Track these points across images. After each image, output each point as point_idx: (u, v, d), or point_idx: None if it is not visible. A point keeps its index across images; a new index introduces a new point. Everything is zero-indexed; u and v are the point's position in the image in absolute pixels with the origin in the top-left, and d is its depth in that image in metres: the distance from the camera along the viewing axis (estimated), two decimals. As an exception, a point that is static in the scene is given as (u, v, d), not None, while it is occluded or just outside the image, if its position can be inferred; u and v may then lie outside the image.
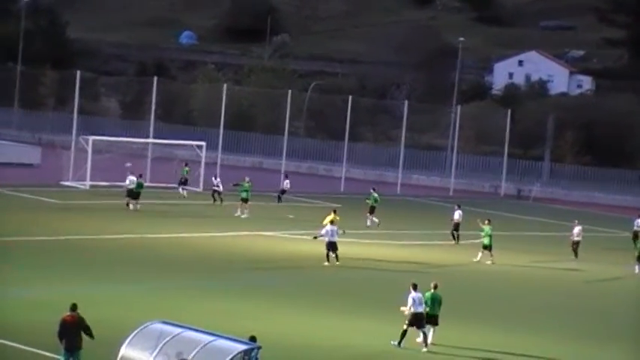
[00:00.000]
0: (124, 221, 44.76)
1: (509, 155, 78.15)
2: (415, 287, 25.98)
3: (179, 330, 20.10)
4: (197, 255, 38.29)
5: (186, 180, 57.05)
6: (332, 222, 38.58)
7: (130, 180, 49.49)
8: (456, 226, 46.46)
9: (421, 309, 25.91)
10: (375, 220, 49.80)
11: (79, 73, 60.89)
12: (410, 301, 25.81)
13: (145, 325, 20.28)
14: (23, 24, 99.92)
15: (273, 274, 35.98)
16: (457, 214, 46.54)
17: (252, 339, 20.06)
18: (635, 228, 51.51)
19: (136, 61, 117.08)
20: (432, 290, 26.50)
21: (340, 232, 38.10)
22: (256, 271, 36.31)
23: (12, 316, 25.86)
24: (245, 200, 50.30)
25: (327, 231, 37.63)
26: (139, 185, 49.53)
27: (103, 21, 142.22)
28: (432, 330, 26.33)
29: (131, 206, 48.37)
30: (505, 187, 78.29)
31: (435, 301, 26.36)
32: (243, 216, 49.56)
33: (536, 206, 70.92)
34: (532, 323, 31.10)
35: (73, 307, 21.10)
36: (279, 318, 28.58)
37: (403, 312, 26.03)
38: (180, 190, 56.34)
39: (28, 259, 33.98)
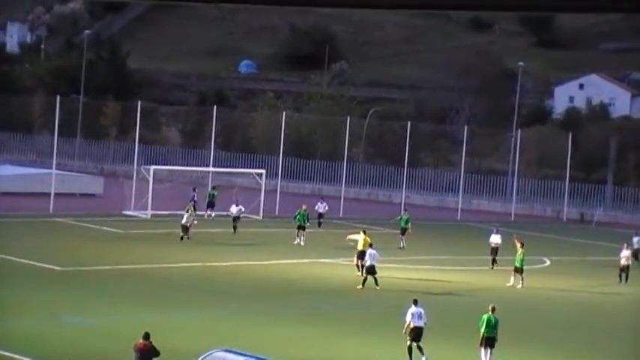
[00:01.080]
0: (186, 250, 45.01)
1: (571, 179, 77.35)
2: (416, 302, 27.27)
3: (242, 358, 20.16)
4: (257, 282, 38.36)
5: (213, 204, 57.58)
6: (370, 245, 38.54)
7: (238, 210, 51.75)
8: (495, 251, 45.50)
9: (420, 323, 26.79)
10: (402, 244, 49.96)
11: (139, 103, 61.59)
12: (409, 316, 26.87)
13: (209, 352, 20.38)
14: (85, 55, 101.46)
15: (333, 300, 35.91)
16: (496, 238, 45.78)
17: None
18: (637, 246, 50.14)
19: (196, 91, 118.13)
20: (490, 313, 26.89)
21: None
22: (316, 297, 36.28)
23: (79, 345, 26.10)
24: (302, 228, 49.98)
25: (369, 254, 37.50)
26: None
27: (163, 51, 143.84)
28: (489, 352, 26.69)
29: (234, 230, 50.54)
30: (567, 211, 77.41)
31: (491, 324, 26.74)
32: (302, 243, 49.41)
33: (600, 230, 70.01)
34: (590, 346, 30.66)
35: (146, 336, 21.85)
36: (339, 344, 28.50)
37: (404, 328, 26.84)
38: (207, 212, 56.79)
39: (93, 288, 34.34)
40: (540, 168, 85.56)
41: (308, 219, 50.34)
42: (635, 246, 49.89)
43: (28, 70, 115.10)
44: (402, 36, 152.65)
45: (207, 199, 57.67)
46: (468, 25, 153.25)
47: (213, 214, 56.85)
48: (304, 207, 50.85)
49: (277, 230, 53.63)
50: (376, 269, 37.49)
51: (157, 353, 21.71)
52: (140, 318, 30.02)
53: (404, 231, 50.80)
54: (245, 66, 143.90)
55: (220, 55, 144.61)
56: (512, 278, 40.78)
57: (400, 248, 49.62)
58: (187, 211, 48.28)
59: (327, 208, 57.90)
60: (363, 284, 37.30)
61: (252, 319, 31.10)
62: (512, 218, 71.92)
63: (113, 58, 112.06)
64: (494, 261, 45.28)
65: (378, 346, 28.93)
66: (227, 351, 20.61)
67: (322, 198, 60.06)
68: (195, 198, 56.08)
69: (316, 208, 56.79)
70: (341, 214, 63.73)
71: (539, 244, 51.73)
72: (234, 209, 52.72)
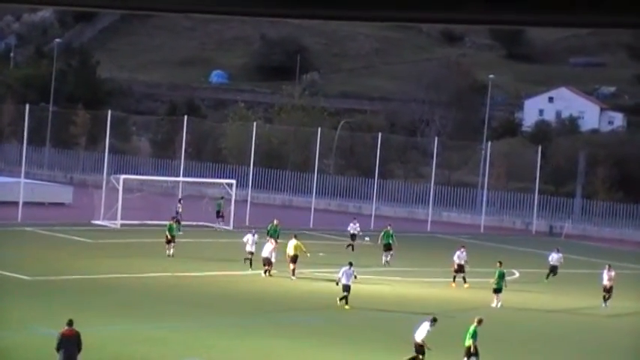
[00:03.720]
0: (156, 260, 44.81)
1: (540, 192, 77.79)
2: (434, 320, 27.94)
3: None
4: (229, 294, 38.27)
5: (221, 213, 58.26)
6: (350, 264, 37.67)
7: (252, 240, 44.99)
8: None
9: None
10: (385, 258, 49.23)
11: (110, 112, 61.39)
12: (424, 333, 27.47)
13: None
14: (55, 64, 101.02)
15: (305, 312, 35.88)
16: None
17: None
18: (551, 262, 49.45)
19: (167, 101, 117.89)
20: (476, 324, 27.86)
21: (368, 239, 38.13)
22: (289, 310, 36.24)
23: (50, 355, 25.87)
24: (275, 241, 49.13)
25: (344, 273, 36.88)
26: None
27: (134, 61, 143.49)
28: None
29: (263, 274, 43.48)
30: (537, 224, 77.85)
31: (475, 335, 27.75)
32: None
33: (568, 243, 70.40)
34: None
35: (70, 323, 22.99)
36: (311, 356, 28.49)
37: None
38: (218, 224, 57.06)
39: (63, 298, 34.10)
40: (510, 180, 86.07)
41: (279, 235, 48.09)
42: (552, 262, 49.59)
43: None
44: (374, 48, 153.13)
45: (215, 209, 58.88)
46: (439, 37, 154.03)
47: (222, 224, 57.79)
48: (276, 222, 49.50)
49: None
50: (350, 288, 36.56)
51: (80, 340, 22.43)
52: (111, 328, 29.88)
53: (387, 246, 49.56)
54: (216, 76, 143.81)
55: (191, 65, 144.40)
56: (494, 299, 39.88)
57: (385, 263, 48.76)
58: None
59: (359, 229, 55.29)
60: (346, 302, 36.35)
61: (224, 331, 31.00)
62: (482, 230, 72.22)
63: (83, 68, 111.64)
64: (455, 278, 44.25)
65: (354, 357, 28.94)
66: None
67: (355, 218, 56.77)
68: (180, 210, 55.93)
69: (349, 228, 54.96)
70: (311, 225, 63.73)
71: (509, 256, 51.84)
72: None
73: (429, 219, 71.14)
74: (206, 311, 34.42)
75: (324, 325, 33.93)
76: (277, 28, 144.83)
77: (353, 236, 54.53)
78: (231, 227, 58.88)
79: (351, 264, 37.59)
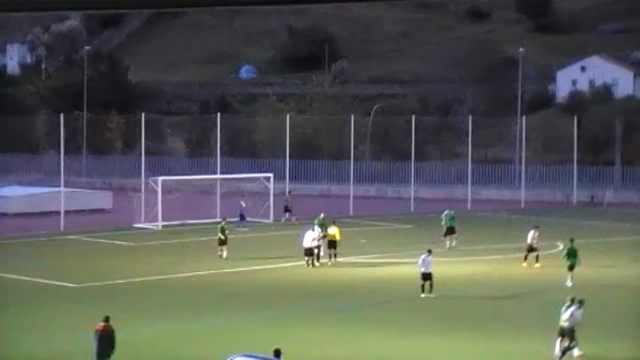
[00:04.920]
0: (201, 258, 44.99)
1: (579, 162, 77.15)
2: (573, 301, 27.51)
3: (260, 362, 20.19)
4: (275, 286, 38.38)
5: (289, 208, 59.44)
6: (429, 251, 36.62)
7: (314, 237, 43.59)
8: (531, 248, 43.72)
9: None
10: (448, 241, 48.46)
11: (143, 115, 61.61)
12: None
13: (228, 358, 20.41)
14: (86, 72, 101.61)
15: (352, 299, 35.91)
16: (532, 235, 43.92)
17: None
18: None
19: (199, 99, 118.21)
20: (570, 303, 27.49)
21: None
22: (335, 297, 36.28)
23: None
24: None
25: (422, 260, 36.16)
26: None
27: (163, 62, 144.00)
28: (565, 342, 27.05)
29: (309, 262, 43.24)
30: (577, 194, 77.27)
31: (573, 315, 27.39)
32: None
33: (611, 212, 69.88)
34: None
35: (106, 319, 23.78)
36: (360, 343, 28.50)
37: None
38: (286, 217, 58.43)
39: (108, 302, 34.28)
40: (547, 153, 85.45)
41: (326, 228, 45.81)
42: (443, 222, 48.90)
43: (30, 90, 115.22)
44: (400, 31, 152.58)
45: (284, 204, 60.04)
46: (465, 15, 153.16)
47: (293, 218, 58.14)
48: (322, 215, 47.23)
49: (290, 232, 53.41)
50: (431, 276, 35.60)
51: (114, 340, 23.17)
52: (158, 329, 30.08)
53: (450, 230, 48.57)
54: (245, 71, 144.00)
55: (220, 62, 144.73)
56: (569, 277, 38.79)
57: (450, 248, 47.61)
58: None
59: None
60: (423, 290, 35.71)
61: (270, 323, 31.08)
62: (522, 205, 71.85)
63: (113, 73, 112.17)
64: (526, 257, 43.19)
65: (402, 341, 28.91)
66: (245, 356, 20.65)
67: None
68: (244, 205, 56.74)
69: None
70: (351, 212, 63.73)
71: (551, 228, 51.56)
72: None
73: (469, 198, 70.77)
74: (251, 305, 34.55)
75: (371, 311, 33.92)
76: (302, 18, 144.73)
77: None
78: (271, 221, 58.99)
79: (430, 251, 36.71)
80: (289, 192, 61.68)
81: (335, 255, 43.72)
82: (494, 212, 67.45)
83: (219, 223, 47.19)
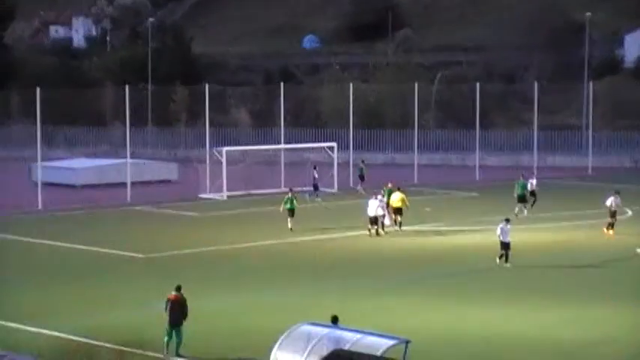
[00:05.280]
0: (266, 228, 45.08)
1: (647, 128, 75.91)
2: None
3: (327, 330, 20.17)
4: (344, 256, 38.33)
5: (363, 177, 59.40)
6: (507, 220, 35.89)
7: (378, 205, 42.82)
8: (613, 214, 42.47)
9: None
10: (517, 210, 47.63)
11: (207, 87, 61.82)
12: None
13: (294, 327, 20.43)
14: (150, 44, 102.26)
15: (421, 269, 35.74)
16: (612, 201, 42.76)
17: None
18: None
19: (262, 70, 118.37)
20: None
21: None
22: (404, 266, 36.14)
23: (162, 332, 26.32)
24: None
25: (500, 229, 35.45)
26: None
27: (226, 34, 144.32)
28: None
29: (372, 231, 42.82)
30: (646, 160, 76.04)
31: None
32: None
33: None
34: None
35: (178, 288, 24.05)
36: (433, 313, 28.33)
37: None
38: (359, 187, 58.21)
39: (176, 273, 34.39)
40: (615, 119, 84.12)
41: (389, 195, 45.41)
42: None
43: (95, 63, 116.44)
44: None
45: (358, 173, 60.35)
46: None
47: (361, 188, 57.92)
48: (390, 184, 46.76)
49: (355, 202, 53.31)
50: (510, 245, 35.11)
51: (185, 305, 23.63)
52: (228, 298, 30.23)
53: (521, 198, 47.88)
54: (309, 41, 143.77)
55: (283, 33, 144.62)
56: None
57: (515, 215, 46.13)
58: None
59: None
60: (500, 259, 35.21)
61: (341, 293, 30.92)
62: (590, 172, 70.94)
63: (178, 45, 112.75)
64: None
65: (503, 310, 28.68)
66: (312, 324, 20.65)
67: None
68: (316, 175, 56.98)
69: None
70: (415, 181, 63.47)
71: (621, 195, 50.73)
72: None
73: (535, 165, 69.96)
74: (320, 275, 34.54)
75: (441, 281, 33.71)
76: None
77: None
78: (335, 190, 58.97)
79: (507, 220, 36.00)
80: (363, 161, 61.69)
81: (400, 223, 43.53)
82: (564, 180, 66.63)
83: (284, 193, 47.12)
